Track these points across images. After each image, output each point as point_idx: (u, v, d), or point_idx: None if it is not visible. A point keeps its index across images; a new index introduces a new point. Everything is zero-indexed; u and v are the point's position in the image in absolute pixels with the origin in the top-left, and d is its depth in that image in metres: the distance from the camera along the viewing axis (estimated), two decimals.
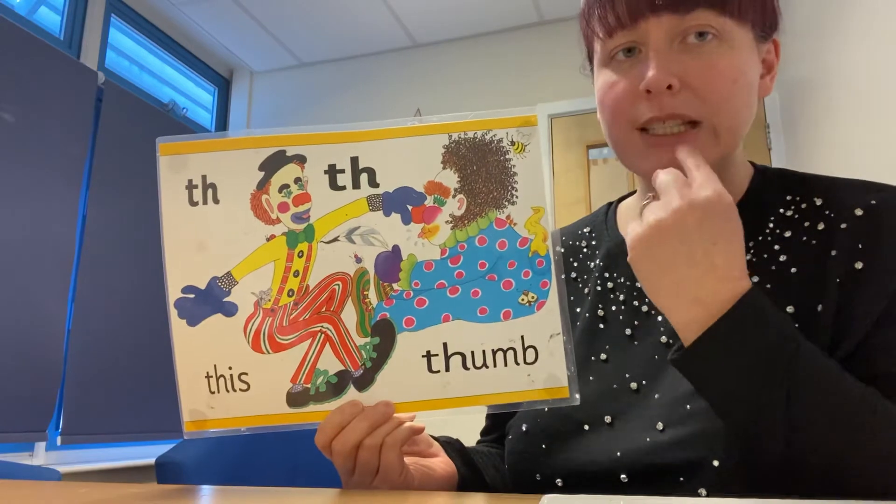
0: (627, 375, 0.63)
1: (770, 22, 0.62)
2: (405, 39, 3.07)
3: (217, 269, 0.58)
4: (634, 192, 0.76)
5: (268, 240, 0.58)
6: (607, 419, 0.61)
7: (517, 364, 0.57)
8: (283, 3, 2.79)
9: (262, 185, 0.59)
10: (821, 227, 0.60)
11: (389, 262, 0.58)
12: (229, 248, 0.59)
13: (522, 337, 0.57)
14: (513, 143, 0.58)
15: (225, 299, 0.58)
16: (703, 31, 0.58)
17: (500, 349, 0.57)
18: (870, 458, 0.47)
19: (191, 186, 0.59)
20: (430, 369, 0.57)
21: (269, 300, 0.58)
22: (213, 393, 0.58)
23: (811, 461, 0.48)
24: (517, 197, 0.58)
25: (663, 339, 0.63)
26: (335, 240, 0.58)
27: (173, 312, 0.58)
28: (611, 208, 0.78)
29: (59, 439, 2.15)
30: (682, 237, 0.51)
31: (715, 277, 0.50)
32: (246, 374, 0.58)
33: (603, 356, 0.66)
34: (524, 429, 0.65)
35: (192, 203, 0.59)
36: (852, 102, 1.75)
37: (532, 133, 0.58)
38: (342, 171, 0.58)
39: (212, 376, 0.58)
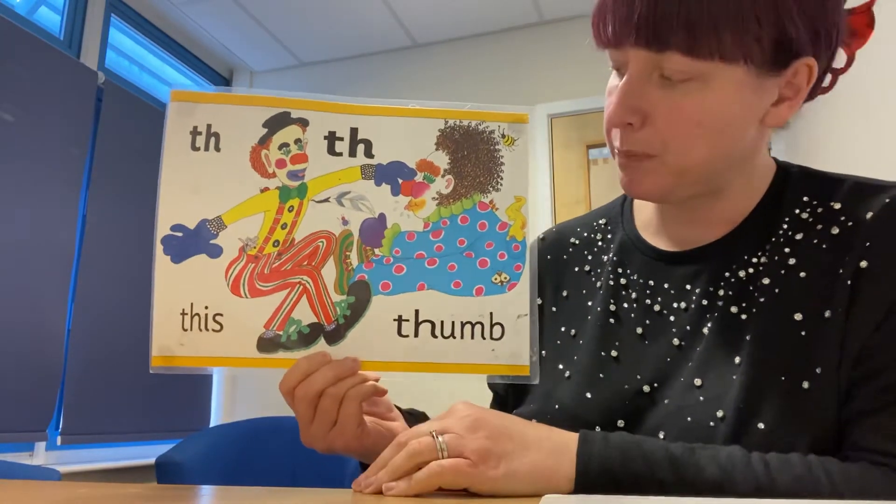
0: (639, 377, 0.63)
1: (785, 52, 0.56)
2: (405, 39, 3.07)
3: (208, 212, 0.60)
4: None
5: (261, 191, 0.60)
6: (620, 423, 0.61)
7: (483, 338, 0.60)
8: (283, 3, 2.79)
9: (264, 141, 0.61)
10: (835, 231, 0.59)
11: (374, 228, 0.61)
12: (223, 194, 0.60)
13: (491, 313, 0.60)
14: (503, 136, 0.62)
15: (212, 241, 0.60)
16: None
17: (468, 322, 0.60)
18: None
19: (195, 132, 0.61)
20: (399, 333, 0.60)
21: (255, 247, 0.60)
22: (185, 330, 0.59)
23: None
24: (502, 184, 0.61)
25: (675, 340, 0.63)
26: (326, 200, 0.61)
27: (159, 248, 0.60)
28: (627, 200, 0.78)
29: (59, 439, 2.15)
30: (497, 431, 0.53)
31: (533, 452, 0.53)
32: (221, 314, 0.59)
33: (614, 353, 0.66)
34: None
35: (194, 148, 0.61)
36: (852, 102, 1.75)
37: (522, 130, 0.62)
38: (341, 139, 0.61)
39: (187, 314, 0.59)
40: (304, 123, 0.61)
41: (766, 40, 0.55)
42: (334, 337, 0.60)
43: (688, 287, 0.65)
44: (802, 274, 0.58)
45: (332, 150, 0.61)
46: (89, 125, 2.31)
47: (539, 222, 2.72)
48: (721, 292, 0.62)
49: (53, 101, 2.18)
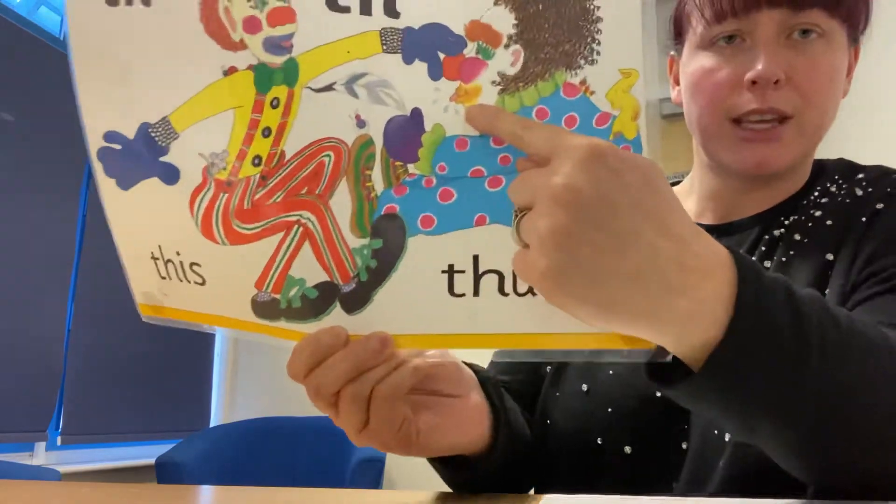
0: None
1: (864, 26, 0.63)
2: None
3: (148, 112, 0.41)
4: (680, 180, 0.76)
5: (225, 74, 0.40)
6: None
7: None
8: None
9: None
10: (859, 192, 0.63)
11: (406, 133, 0.39)
12: (165, 81, 0.41)
13: None
14: None
15: (161, 158, 0.41)
16: (809, 29, 0.59)
17: None
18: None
19: None
20: (451, 291, 0.40)
21: (225, 168, 0.41)
22: (163, 278, 0.44)
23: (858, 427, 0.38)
24: (599, 53, 0.37)
25: None
26: (329, 88, 0.39)
27: (97, 167, 0.43)
28: None
29: (59, 439, 2.15)
30: (592, 222, 0.33)
31: (676, 250, 0.34)
32: (198, 265, 0.43)
33: None
34: (584, 388, 0.62)
35: (111, 1, 0.41)
36: (852, 102, 1.75)
37: None
38: None
39: (158, 258, 0.44)
40: None
41: (864, 8, 0.61)
42: (355, 301, 0.41)
43: None
44: (829, 222, 0.62)
45: (333, 3, 0.39)
46: None
47: None
48: (756, 251, 0.64)
49: (53, 101, 2.18)
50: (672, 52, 0.70)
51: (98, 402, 2.29)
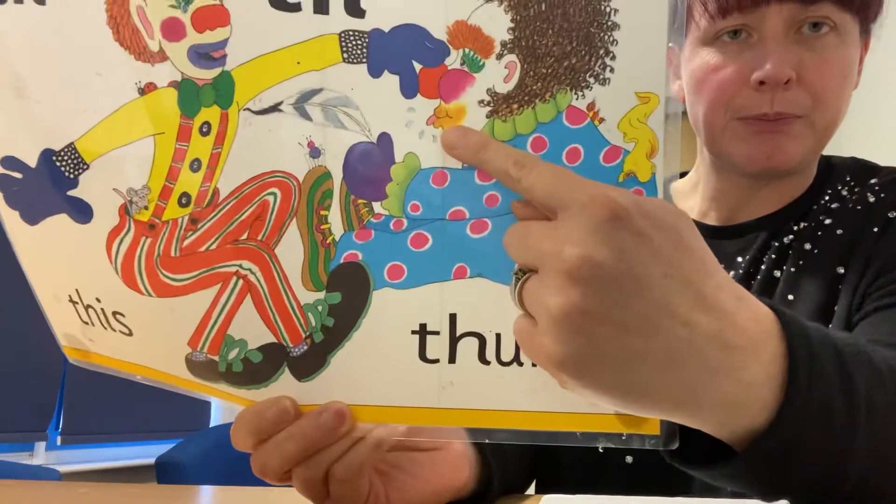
0: None
1: (876, 17, 0.61)
2: None
3: (51, 137, 0.35)
4: (686, 172, 0.74)
5: (141, 92, 0.33)
6: None
7: None
8: None
9: None
10: (871, 199, 0.61)
11: (371, 164, 0.33)
12: (69, 100, 0.34)
13: None
14: None
15: (71, 192, 0.35)
16: (820, 23, 0.57)
17: None
18: None
19: None
20: (423, 356, 0.34)
21: (147, 208, 0.34)
22: (86, 323, 0.39)
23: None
24: (612, 71, 0.31)
25: None
26: (274, 108, 0.33)
27: None
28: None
29: (59, 439, 2.15)
30: (616, 300, 0.27)
31: (717, 326, 0.28)
32: (121, 314, 0.37)
33: None
34: None
35: None
36: (852, 102, 1.75)
37: None
38: None
39: (77, 303, 0.38)
40: None
41: (882, 2, 0.59)
42: (307, 366, 0.35)
43: (739, 259, 0.65)
44: (839, 231, 0.60)
45: (279, 0, 0.32)
46: None
47: None
48: (766, 258, 0.63)
49: None
50: (671, 44, 0.69)
51: (98, 402, 2.29)
